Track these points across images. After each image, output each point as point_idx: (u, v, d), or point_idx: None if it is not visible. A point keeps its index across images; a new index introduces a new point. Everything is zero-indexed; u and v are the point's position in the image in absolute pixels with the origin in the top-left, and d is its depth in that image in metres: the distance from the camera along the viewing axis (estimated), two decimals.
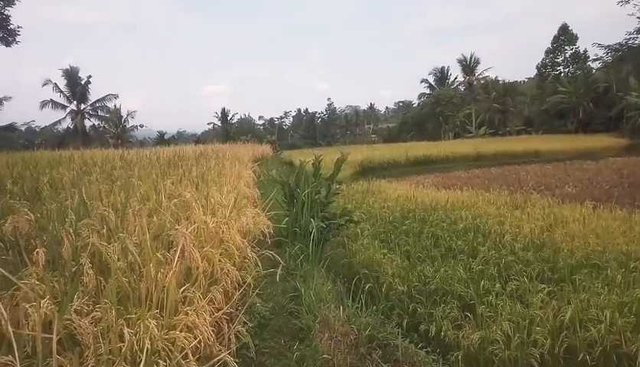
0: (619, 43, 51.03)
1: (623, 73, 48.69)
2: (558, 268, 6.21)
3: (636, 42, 49.58)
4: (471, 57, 63.29)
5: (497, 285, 5.75)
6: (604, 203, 11.66)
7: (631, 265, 6.10)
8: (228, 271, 3.27)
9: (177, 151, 11.29)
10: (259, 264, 3.82)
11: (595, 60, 56.32)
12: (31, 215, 3.18)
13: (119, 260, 2.63)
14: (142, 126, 65.32)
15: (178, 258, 2.65)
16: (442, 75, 68.91)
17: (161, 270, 2.53)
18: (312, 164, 7.31)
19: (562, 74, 60.99)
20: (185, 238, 2.73)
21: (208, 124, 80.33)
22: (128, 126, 62.30)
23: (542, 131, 53.20)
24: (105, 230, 3.02)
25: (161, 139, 68.67)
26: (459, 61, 64.07)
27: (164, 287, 2.41)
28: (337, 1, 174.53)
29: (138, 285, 2.39)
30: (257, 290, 3.89)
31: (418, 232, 9.09)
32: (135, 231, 3.10)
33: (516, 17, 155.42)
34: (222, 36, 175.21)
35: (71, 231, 2.90)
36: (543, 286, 5.43)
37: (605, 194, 15.99)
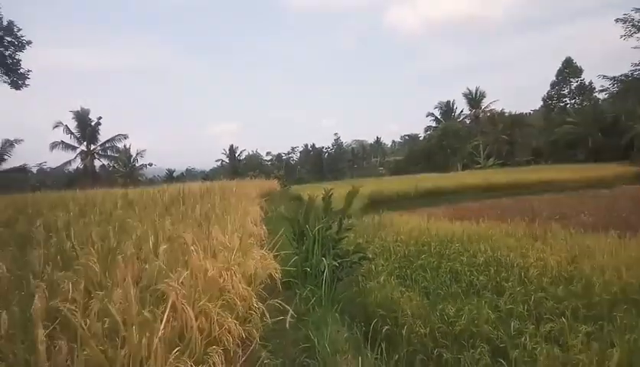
0: (625, 75, 51.28)
1: (630, 103, 48.54)
2: (593, 304, 5.67)
3: None
4: (476, 91, 63.77)
5: (530, 325, 5.22)
6: (628, 232, 11.11)
7: None
8: (229, 327, 2.83)
9: (182, 188, 10.97)
10: (267, 314, 3.37)
11: (601, 91, 56.60)
12: (3, 267, 2.80)
13: (97, 321, 2.22)
14: (150, 165, 65.93)
15: (169, 316, 2.23)
16: (447, 108, 69.38)
17: (147, 333, 2.12)
18: (322, 198, 6.90)
19: (568, 105, 61.06)
20: (177, 292, 2.32)
21: (216, 161, 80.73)
22: (137, 165, 62.87)
23: (551, 162, 52.68)
24: (85, 285, 2.63)
25: (170, 177, 69.03)
26: (465, 95, 64.57)
27: (149, 355, 1.99)
28: (340, 45, 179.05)
29: (116, 354, 1.98)
30: (264, 344, 3.42)
31: (435, 266, 8.59)
32: (122, 282, 2.69)
33: (518, 55, 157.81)
34: (231, 78, 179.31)
35: (44, 286, 2.51)
36: (583, 327, 4.88)
37: (623, 222, 15.37)
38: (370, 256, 6.89)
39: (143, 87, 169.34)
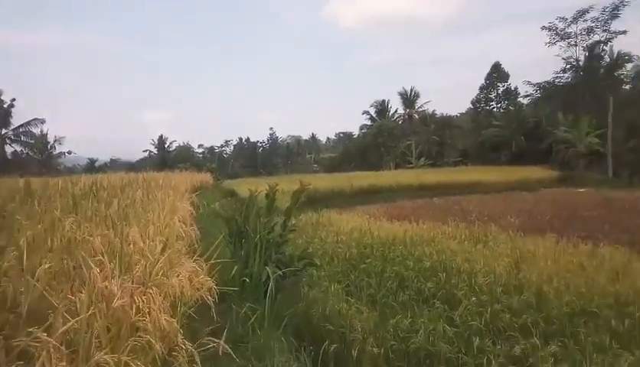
0: (547, 82, 54.87)
1: (551, 109, 52.04)
2: (551, 318, 5.38)
3: (562, 80, 53.75)
4: (411, 91, 65.25)
5: (489, 342, 4.79)
6: (564, 236, 11.39)
7: (627, 311, 5.41)
8: None
9: (99, 178, 9.58)
10: (196, 356, 2.53)
11: (525, 96, 60.26)
12: None
13: None
14: (70, 153, 61.08)
15: None
16: (382, 107, 70.44)
17: None
18: (266, 195, 6.07)
19: (494, 109, 64.24)
20: (49, 351, 1.48)
21: (144, 151, 76.36)
22: (55, 153, 57.81)
23: (477, 163, 55.12)
24: None
25: (92, 166, 64.28)
26: (400, 94, 65.82)
27: None
28: (277, 34, 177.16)
29: None
30: None
31: (380, 271, 8.09)
32: None
33: (450, 58, 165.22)
34: (162, 63, 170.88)
35: None
36: (548, 347, 4.50)
37: (547, 225, 16.03)
38: (318, 263, 6.19)
39: (66, 70, 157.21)
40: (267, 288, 4.88)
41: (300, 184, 6.64)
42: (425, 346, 4.84)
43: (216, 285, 3.58)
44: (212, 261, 3.83)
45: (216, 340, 2.78)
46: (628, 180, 43.91)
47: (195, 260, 3.81)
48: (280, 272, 5.20)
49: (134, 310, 2.42)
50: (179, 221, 6.36)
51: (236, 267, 5.06)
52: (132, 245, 3.55)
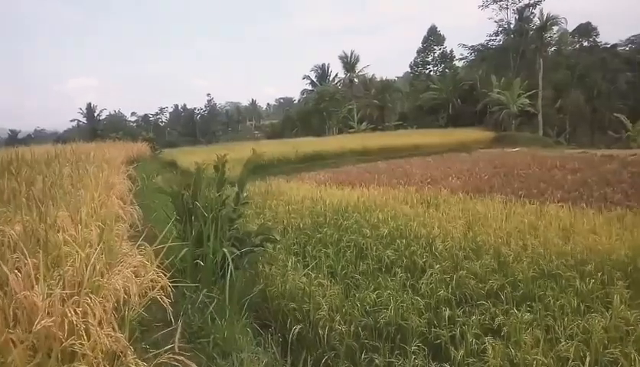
0: (481, 44, 56.42)
1: (484, 72, 53.70)
2: (516, 282, 5.33)
3: (495, 43, 55.42)
4: (351, 55, 64.68)
5: (460, 312, 4.65)
6: (507, 195, 11.69)
7: (586, 270, 5.48)
8: None
9: (21, 152, 8.40)
10: None
11: (460, 59, 61.69)
12: None
13: None
14: None
15: None
16: (322, 72, 69.67)
17: None
18: (215, 166, 5.46)
19: (431, 72, 65.42)
20: None
21: (71, 121, 71.15)
22: None
23: (416, 126, 56.09)
24: None
25: (14, 139, 59.13)
26: (340, 58, 65.11)
27: None
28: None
29: None
30: None
31: (336, 240, 7.82)
32: None
33: (388, 21, 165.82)
34: (87, 26, 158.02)
35: None
36: (521, 313, 4.40)
37: (486, 184, 16.57)
38: (278, 238, 5.75)
39: None
40: (224, 270, 4.41)
41: (252, 152, 6.11)
42: (395, 320, 4.62)
43: (166, 274, 3.06)
44: (159, 246, 3.28)
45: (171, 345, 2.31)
46: (555, 138, 46.75)
47: (139, 246, 3.24)
48: (238, 252, 4.72)
49: (66, 329, 1.87)
50: (117, 198, 5.65)
51: (186, 250, 4.48)
52: (60, 233, 2.93)
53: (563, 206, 9.52)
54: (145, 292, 2.69)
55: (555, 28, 51.04)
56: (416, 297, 4.97)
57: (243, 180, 5.69)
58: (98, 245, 2.76)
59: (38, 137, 67.43)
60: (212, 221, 4.71)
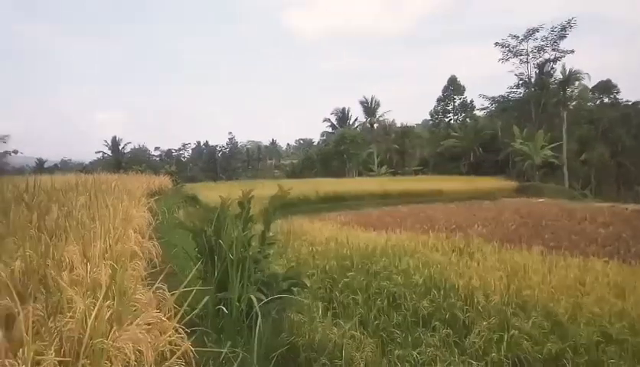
0: (502, 96, 56.51)
1: (505, 122, 53.51)
2: (577, 347, 4.66)
3: (515, 95, 55.43)
4: (372, 99, 65.45)
5: None
6: (534, 246, 10.98)
7: None
8: None
9: (43, 180, 8.14)
10: None
11: (481, 109, 61.80)
12: None
13: None
14: (15, 152, 57.16)
15: None
16: (343, 115, 70.56)
17: None
18: (239, 203, 5.00)
19: (452, 121, 65.63)
20: None
21: (97, 152, 72.63)
22: None
23: (436, 172, 55.81)
24: None
25: (41, 167, 60.49)
26: (361, 102, 65.92)
27: None
28: (238, 41, 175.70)
29: None
30: None
31: (365, 286, 7.24)
32: None
33: (408, 69, 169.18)
34: (116, 63, 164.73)
35: None
36: None
37: (514, 234, 15.85)
38: (308, 283, 5.18)
39: (12, 67, 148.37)
40: (249, 318, 3.88)
41: (279, 189, 5.69)
42: None
43: (187, 331, 2.56)
44: (178, 290, 2.80)
45: None
46: (580, 191, 45.60)
47: (156, 290, 2.77)
48: (265, 298, 4.18)
49: None
50: (135, 232, 5.24)
51: (208, 297, 3.91)
52: (66, 272, 2.49)
53: (608, 261, 8.79)
54: (161, 355, 2.19)
55: (576, 83, 50.94)
56: (466, 359, 4.34)
57: (270, 218, 5.24)
58: (108, 288, 2.31)
59: (64, 166, 68.86)
60: (236, 262, 4.23)
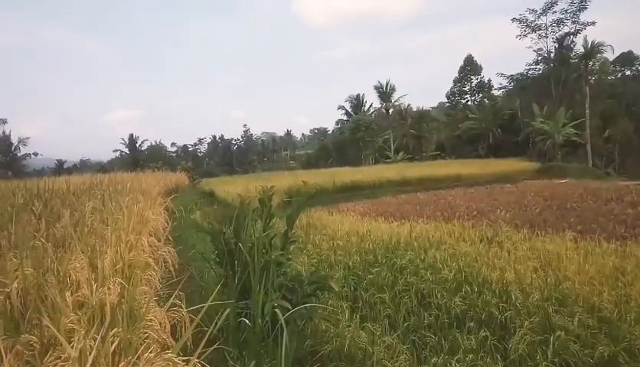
0: (520, 74, 54.92)
1: (525, 101, 52.06)
2: (634, 349, 4.25)
3: (534, 72, 53.84)
4: (387, 84, 64.38)
5: None
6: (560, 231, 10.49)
7: None
8: None
9: (50, 182, 7.97)
10: None
11: (499, 88, 60.29)
12: None
13: None
14: (36, 154, 58.40)
15: None
16: (357, 102, 69.69)
17: None
18: (260, 200, 4.68)
19: (469, 102, 64.23)
20: None
21: (114, 151, 73.49)
22: (19, 154, 54.80)
23: (455, 156, 54.80)
24: None
25: (60, 168, 61.44)
26: (376, 88, 64.88)
27: None
28: (248, 31, 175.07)
29: None
30: None
31: (391, 283, 6.90)
32: None
33: (421, 51, 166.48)
34: (130, 61, 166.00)
35: None
36: None
37: (539, 218, 15.35)
38: (336, 288, 4.82)
39: (28, 70, 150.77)
40: (274, 329, 3.56)
41: (303, 183, 5.37)
42: None
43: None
44: (196, 307, 2.50)
45: None
46: (604, 169, 44.25)
47: (171, 309, 2.48)
48: (289, 305, 3.84)
49: None
50: (150, 235, 4.98)
51: (229, 310, 3.56)
52: (69, 293, 2.22)
53: None
54: None
55: (597, 56, 49.19)
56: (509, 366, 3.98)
57: (294, 217, 4.91)
58: (117, 309, 2.02)
59: (83, 166, 69.93)
60: (258, 266, 3.92)
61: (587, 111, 45.68)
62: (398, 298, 6.31)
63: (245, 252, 4.06)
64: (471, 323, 5.22)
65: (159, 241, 5.20)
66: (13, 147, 54.18)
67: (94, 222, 4.33)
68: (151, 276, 3.41)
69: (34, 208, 4.62)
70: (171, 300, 2.64)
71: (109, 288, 2.47)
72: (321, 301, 4.94)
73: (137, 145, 70.92)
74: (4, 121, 48.04)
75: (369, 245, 9.03)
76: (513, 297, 5.56)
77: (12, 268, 2.53)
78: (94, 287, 2.39)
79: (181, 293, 3.04)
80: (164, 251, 4.67)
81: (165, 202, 9.77)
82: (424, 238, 9.38)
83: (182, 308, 2.57)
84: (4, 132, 51.16)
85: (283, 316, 3.60)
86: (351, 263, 8.00)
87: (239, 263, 4.15)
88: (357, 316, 5.50)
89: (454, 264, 7.25)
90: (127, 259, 3.41)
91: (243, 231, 4.40)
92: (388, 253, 8.37)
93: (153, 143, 76.66)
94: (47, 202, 5.42)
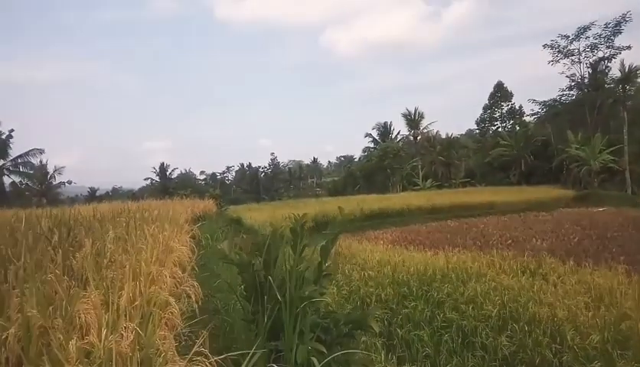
0: (553, 100, 53.75)
1: (558, 127, 50.69)
2: None
3: (568, 98, 52.59)
4: (415, 112, 64.04)
5: None
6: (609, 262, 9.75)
7: None
8: None
9: (87, 209, 7.93)
10: None
11: (531, 115, 59.08)
12: None
13: None
14: (70, 182, 60.06)
15: None
16: (385, 129, 69.46)
17: None
18: (292, 229, 4.34)
19: (499, 129, 63.11)
20: None
21: (145, 179, 75.11)
22: (54, 183, 56.60)
23: (484, 183, 53.57)
24: None
25: (92, 196, 62.98)
26: (404, 115, 64.59)
27: None
28: (277, 62, 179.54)
29: None
30: None
31: (428, 319, 6.42)
32: None
33: (451, 78, 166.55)
34: (162, 93, 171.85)
35: None
36: None
37: (578, 248, 14.64)
38: (377, 330, 4.39)
39: (66, 102, 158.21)
40: None
41: (339, 210, 5.05)
42: None
43: None
44: (225, 356, 2.17)
45: None
46: None
47: (194, 359, 2.14)
48: (325, 350, 3.43)
49: None
50: (174, 265, 4.72)
51: (258, 355, 3.12)
52: (74, 340, 1.92)
53: None
54: None
55: (636, 81, 47.68)
56: None
57: (328, 247, 4.56)
58: (130, 363, 1.72)
59: (115, 194, 71.58)
60: (290, 304, 3.55)
61: (625, 136, 44.03)
62: (437, 336, 5.84)
63: (275, 287, 3.73)
64: None
65: (184, 271, 4.92)
66: (49, 176, 56.00)
67: (116, 252, 4.07)
68: (172, 314, 3.10)
69: (49, 236, 4.42)
70: (195, 348, 2.29)
71: (121, 334, 2.16)
72: (358, 342, 4.52)
73: (167, 173, 72.26)
74: (41, 151, 49.76)
75: (403, 276, 8.56)
76: (568, 337, 5.01)
77: (15, 308, 2.25)
78: (104, 332, 2.08)
79: (203, 331, 2.73)
80: (188, 287, 4.35)
81: (192, 230, 9.58)
82: (462, 269, 8.85)
83: (206, 359, 2.22)
84: (40, 161, 52.99)
85: (319, 362, 3.22)
86: (383, 295, 7.56)
87: (269, 299, 3.81)
88: (394, 357, 5.04)
89: (497, 298, 6.71)
90: (147, 294, 3.11)
91: (273, 264, 4.08)
92: (424, 285, 7.89)
93: (183, 171, 78.10)
94: (71, 230, 5.26)
